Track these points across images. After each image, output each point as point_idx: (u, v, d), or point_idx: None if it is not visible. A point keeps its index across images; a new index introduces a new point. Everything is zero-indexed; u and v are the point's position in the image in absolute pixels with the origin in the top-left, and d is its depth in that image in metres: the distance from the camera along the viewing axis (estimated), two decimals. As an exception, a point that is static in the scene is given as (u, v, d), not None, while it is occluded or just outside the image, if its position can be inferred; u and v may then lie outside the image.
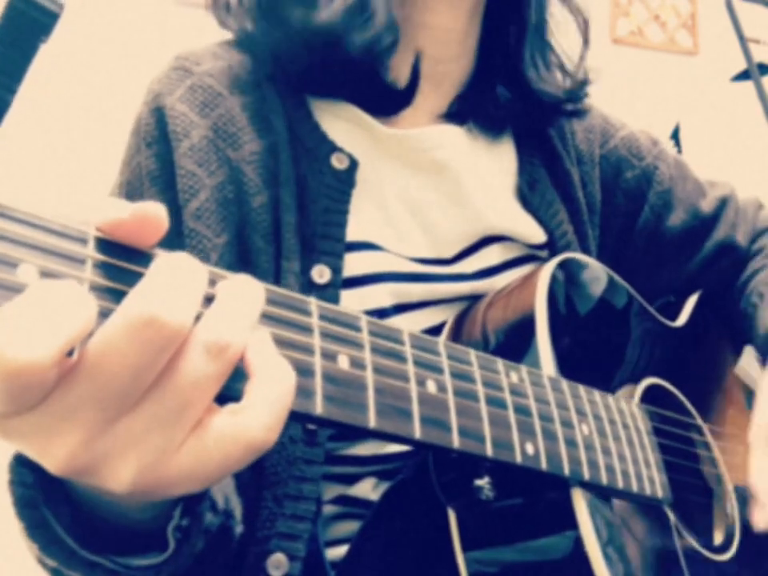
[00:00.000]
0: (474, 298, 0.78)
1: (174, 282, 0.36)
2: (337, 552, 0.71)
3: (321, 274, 0.70)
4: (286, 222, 0.70)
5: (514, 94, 0.83)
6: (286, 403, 0.39)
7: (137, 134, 0.72)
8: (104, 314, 0.35)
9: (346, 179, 0.74)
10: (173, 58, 0.75)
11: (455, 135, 0.81)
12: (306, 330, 0.43)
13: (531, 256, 0.83)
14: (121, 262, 0.37)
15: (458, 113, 0.83)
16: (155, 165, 0.70)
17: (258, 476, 0.67)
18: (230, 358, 0.38)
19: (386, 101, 0.78)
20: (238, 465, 0.39)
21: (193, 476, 0.38)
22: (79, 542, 0.46)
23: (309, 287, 0.70)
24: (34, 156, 1.87)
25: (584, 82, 0.86)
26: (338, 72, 0.73)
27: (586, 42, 0.86)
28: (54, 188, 1.84)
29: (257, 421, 0.38)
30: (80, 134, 1.98)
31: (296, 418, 0.40)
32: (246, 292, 0.40)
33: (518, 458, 0.54)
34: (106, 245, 0.37)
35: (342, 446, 0.72)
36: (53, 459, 0.36)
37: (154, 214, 0.38)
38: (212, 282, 0.39)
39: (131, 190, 0.71)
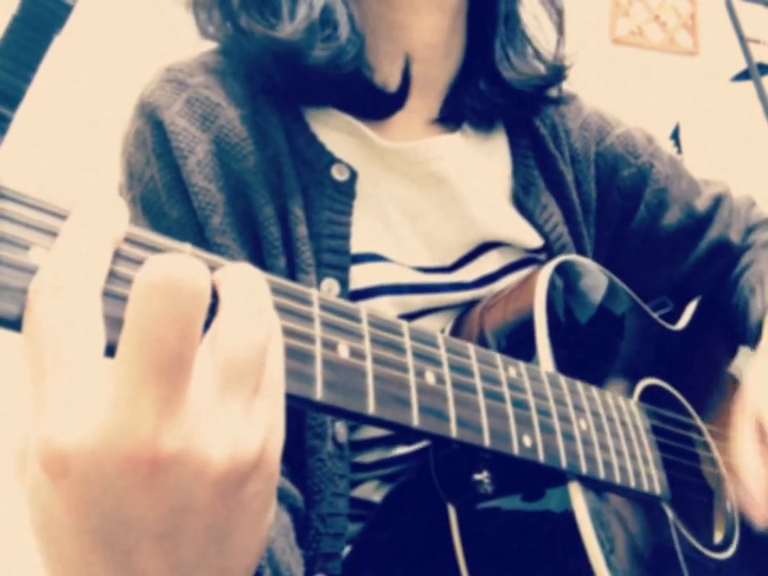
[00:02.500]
0: (474, 305, 0.78)
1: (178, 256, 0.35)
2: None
3: (329, 288, 0.70)
4: (299, 235, 0.70)
5: (491, 86, 0.83)
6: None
7: (143, 148, 0.71)
8: (121, 298, 0.36)
9: (347, 191, 0.73)
10: (163, 70, 0.74)
11: (451, 145, 0.81)
12: (307, 319, 0.43)
13: (530, 259, 0.83)
14: (130, 248, 0.38)
15: (451, 115, 0.83)
16: (170, 176, 0.69)
17: (304, 497, 0.66)
18: (271, 318, 0.38)
19: (378, 106, 0.77)
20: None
21: (276, 430, 0.38)
22: None
23: None
24: (35, 152, 1.88)
25: (559, 68, 0.85)
26: (322, 77, 0.72)
27: (560, 30, 0.86)
28: (57, 181, 1.85)
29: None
30: (78, 134, 1.98)
31: (297, 402, 0.41)
32: (254, 289, 0.38)
33: (516, 450, 0.54)
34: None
35: (352, 455, 0.72)
36: (137, 438, 0.33)
37: None
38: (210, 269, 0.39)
39: (149, 204, 0.70)
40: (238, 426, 0.36)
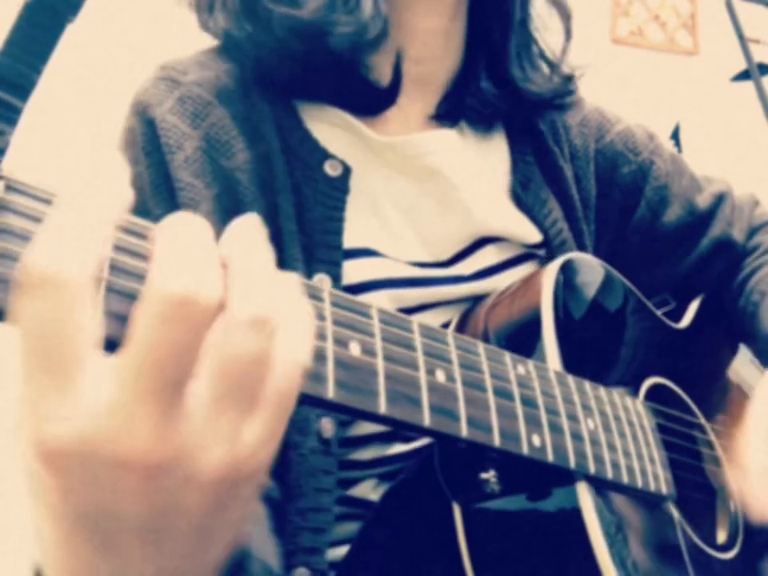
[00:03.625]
0: (473, 299, 0.78)
1: (189, 252, 0.35)
2: (337, 552, 0.71)
3: (321, 282, 0.70)
4: (287, 230, 0.70)
5: (499, 91, 0.83)
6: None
7: (133, 145, 0.71)
8: (130, 296, 0.36)
9: (340, 186, 0.73)
10: (158, 68, 0.74)
11: (446, 139, 0.80)
12: (319, 316, 0.43)
13: (528, 254, 0.83)
14: (139, 241, 0.37)
15: (447, 113, 0.82)
16: (156, 174, 0.69)
17: (283, 490, 0.66)
18: (272, 330, 0.37)
19: (370, 100, 0.77)
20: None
21: (271, 440, 0.38)
22: None
23: None
24: (32, 160, 1.87)
25: (570, 78, 0.85)
26: (322, 72, 0.73)
27: (568, 35, 0.85)
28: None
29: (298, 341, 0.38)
30: (77, 135, 1.98)
31: (309, 402, 0.40)
32: (263, 257, 0.39)
33: (525, 449, 0.54)
34: (125, 224, 0.37)
35: (345, 452, 0.72)
36: (134, 450, 0.34)
37: None
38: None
39: (135, 202, 0.70)
40: (230, 439, 0.36)
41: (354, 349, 0.44)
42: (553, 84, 0.84)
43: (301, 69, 0.72)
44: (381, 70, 0.77)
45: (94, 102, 2.00)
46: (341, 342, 0.43)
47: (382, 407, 0.44)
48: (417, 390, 0.47)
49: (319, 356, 0.42)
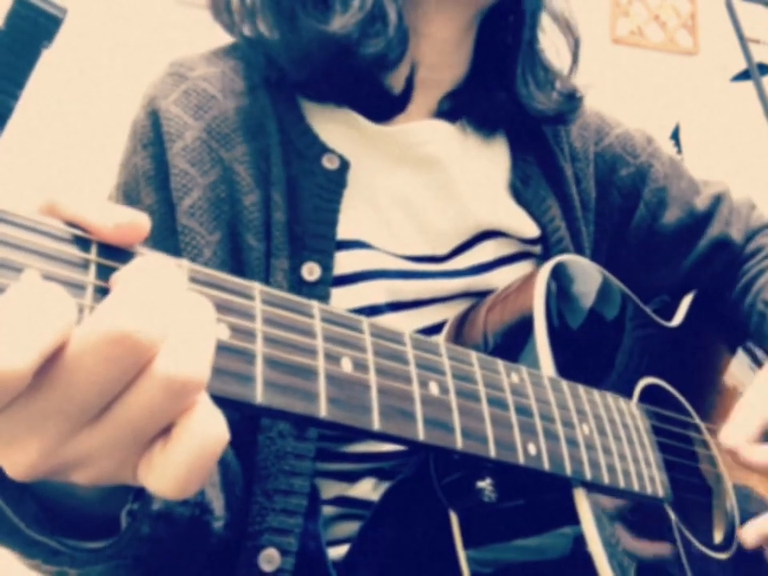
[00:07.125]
0: (468, 295, 0.78)
1: (146, 293, 0.34)
2: (337, 552, 0.71)
3: (311, 271, 0.71)
4: (276, 220, 0.71)
5: (506, 99, 0.84)
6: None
7: (133, 137, 0.74)
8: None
9: (337, 179, 0.74)
10: (168, 65, 0.76)
11: (446, 131, 0.82)
12: (309, 332, 0.43)
13: (525, 252, 0.83)
14: (124, 266, 0.37)
15: (449, 111, 0.83)
16: (150, 165, 0.71)
17: (248, 471, 0.67)
18: (190, 395, 0.35)
19: (381, 107, 0.78)
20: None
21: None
22: (27, 521, 0.45)
23: (299, 285, 0.71)
24: (35, 161, 1.88)
25: (574, 98, 0.87)
26: (341, 79, 0.74)
27: (575, 60, 0.87)
28: (56, 191, 1.84)
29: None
30: (80, 135, 1.99)
31: (300, 421, 0.40)
32: (206, 317, 0.37)
33: (521, 459, 0.54)
34: (109, 249, 0.37)
35: (336, 444, 0.72)
36: (13, 465, 0.35)
37: (138, 222, 0.37)
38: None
39: (128, 190, 0.73)
40: None
41: (346, 364, 0.44)
42: (557, 103, 0.85)
43: (319, 75, 0.74)
44: (395, 77, 0.78)
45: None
46: (332, 358, 0.43)
47: (376, 423, 0.44)
48: (410, 404, 0.47)
49: (311, 373, 0.41)
